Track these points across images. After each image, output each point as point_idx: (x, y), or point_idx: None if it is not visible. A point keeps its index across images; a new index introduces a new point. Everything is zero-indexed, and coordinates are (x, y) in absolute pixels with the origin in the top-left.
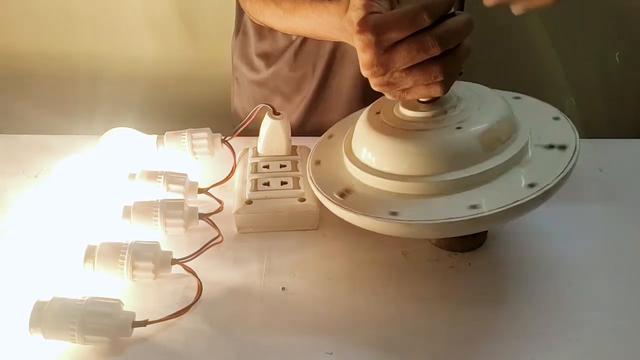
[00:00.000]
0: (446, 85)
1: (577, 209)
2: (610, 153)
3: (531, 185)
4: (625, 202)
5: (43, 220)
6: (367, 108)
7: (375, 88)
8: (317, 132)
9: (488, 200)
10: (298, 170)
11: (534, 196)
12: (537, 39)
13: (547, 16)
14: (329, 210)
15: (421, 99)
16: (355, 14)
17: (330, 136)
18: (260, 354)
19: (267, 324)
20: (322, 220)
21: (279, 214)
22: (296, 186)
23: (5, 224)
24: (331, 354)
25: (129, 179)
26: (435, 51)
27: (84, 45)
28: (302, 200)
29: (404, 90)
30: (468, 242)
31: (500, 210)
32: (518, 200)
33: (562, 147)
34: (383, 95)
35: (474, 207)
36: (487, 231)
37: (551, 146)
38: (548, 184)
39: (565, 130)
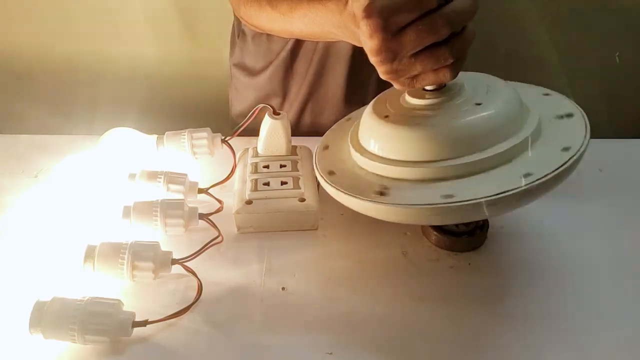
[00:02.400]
0: (455, 69)
1: (577, 209)
2: (610, 153)
3: (566, 149)
4: (625, 202)
5: (43, 220)
6: (368, 109)
7: (383, 76)
8: (312, 132)
9: (538, 168)
10: (298, 170)
11: (523, 188)
12: (536, 38)
13: (547, 16)
14: (329, 210)
15: (428, 87)
16: (359, 2)
17: (326, 147)
18: (260, 354)
19: (267, 324)
20: (322, 220)
21: (279, 214)
22: (296, 186)
23: (5, 224)
24: (331, 354)
25: (129, 179)
26: (445, 32)
27: (84, 45)
28: (302, 200)
29: (412, 78)
30: (468, 242)
31: (553, 175)
32: (564, 163)
33: (570, 115)
34: (379, 93)
35: (527, 175)
36: (487, 231)
37: (560, 116)
38: (542, 177)
39: (562, 102)
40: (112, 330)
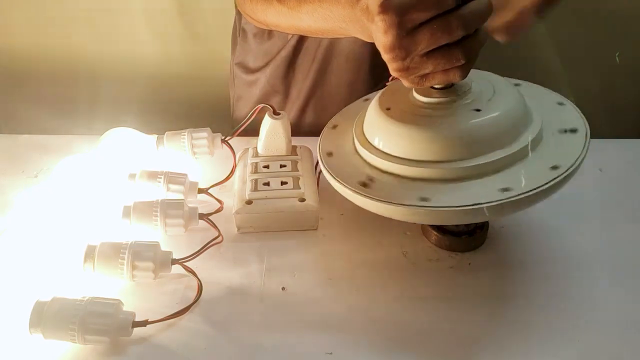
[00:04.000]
0: (465, 70)
1: (577, 209)
2: (610, 153)
3: (554, 168)
4: (625, 202)
5: (43, 220)
6: (376, 97)
7: (394, 73)
8: (313, 131)
9: (518, 184)
10: (298, 170)
11: (559, 178)
12: (536, 38)
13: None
14: (329, 211)
15: (436, 86)
16: None
17: (335, 126)
18: (260, 354)
19: (267, 324)
20: (322, 220)
21: (279, 214)
22: (296, 186)
23: (5, 224)
24: (331, 354)
25: (129, 179)
26: (460, 34)
27: (84, 45)
28: (302, 200)
29: (422, 77)
30: (468, 242)
31: (532, 193)
32: (547, 182)
33: (573, 131)
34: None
35: (506, 189)
36: (487, 231)
37: (564, 131)
38: (571, 166)
39: (572, 115)
40: (112, 330)
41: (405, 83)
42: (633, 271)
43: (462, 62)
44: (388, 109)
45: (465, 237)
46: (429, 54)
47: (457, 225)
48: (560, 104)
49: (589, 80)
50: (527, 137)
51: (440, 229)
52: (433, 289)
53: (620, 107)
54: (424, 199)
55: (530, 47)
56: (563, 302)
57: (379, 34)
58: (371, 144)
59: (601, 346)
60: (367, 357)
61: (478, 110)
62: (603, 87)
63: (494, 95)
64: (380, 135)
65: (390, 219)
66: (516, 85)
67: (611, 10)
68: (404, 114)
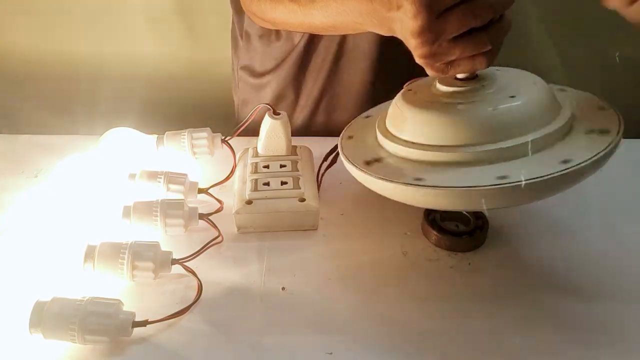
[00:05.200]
0: (491, 57)
1: (576, 209)
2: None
3: (565, 162)
4: (625, 202)
5: (43, 220)
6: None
7: (419, 60)
8: (323, 132)
9: (519, 172)
10: (298, 170)
11: (565, 172)
12: (536, 38)
13: (546, 15)
14: (329, 210)
15: (460, 76)
16: None
17: (368, 117)
18: (260, 354)
19: (267, 324)
20: (322, 220)
21: (279, 214)
22: (296, 186)
23: (5, 224)
24: (331, 354)
25: (129, 179)
26: (488, 17)
27: (84, 45)
28: (302, 200)
29: (448, 64)
30: (468, 242)
31: (530, 182)
32: (550, 174)
33: (605, 132)
34: (394, 91)
35: (502, 177)
36: (487, 231)
37: (591, 131)
38: (582, 162)
39: (608, 117)
40: (112, 330)
41: (430, 71)
42: (633, 271)
43: (489, 47)
44: (410, 94)
45: (465, 237)
46: (456, 39)
47: (457, 225)
48: (602, 108)
49: (588, 80)
50: (552, 127)
51: (440, 229)
52: (433, 289)
53: (620, 107)
54: (418, 179)
55: (530, 48)
56: (563, 301)
57: (408, 19)
58: (387, 129)
59: (602, 346)
60: (367, 357)
61: (512, 97)
62: (603, 87)
63: (519, 87)
64: (391, 119)
65: (390, 219)
66: (561, 90)
67: (611, 10)
68: (421, 101)
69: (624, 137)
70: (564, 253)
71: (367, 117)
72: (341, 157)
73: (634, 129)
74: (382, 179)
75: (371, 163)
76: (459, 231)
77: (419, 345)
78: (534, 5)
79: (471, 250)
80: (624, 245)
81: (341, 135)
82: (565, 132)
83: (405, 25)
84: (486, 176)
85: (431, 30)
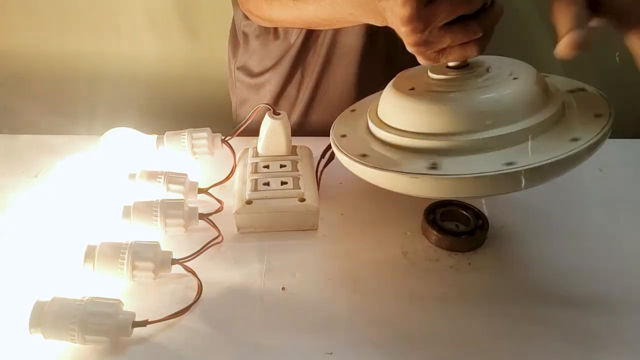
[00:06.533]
0: (482, 44)
1: (577, 209)
2: (610, 153)
3: (574, 140)
4: (625, 202)
5: (43, 220)
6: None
7: (410, 48)
8: (317, 132)
9: (525, 158)
10: (298, 170)
11: (578, 149)
12: (536, 38)
13: (546, 15)
14: (329, 211)
15: (451, 64)
16: None
17: (353, 110)
18: (260, 354)
19: (267, 324)
20: (322, 220)
21: (279, 214)
22: (296, 186)
23: (5, 224)
24: (331, 354)
25: (129, 179)
26: (479, 3)
27: (84, 45)
28: (302, 200)
29: (439, 52)
30: (468, 242)
31: (538, 164)
32: (560, 154)
33: (598, 115)
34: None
35: (510, 164)
36: (487, 231)
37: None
38: (591, 138)
39: (595, 100)
40: (112, 330)
41: (421, 60)
42: (633, 271)
43: (480, 34)
44: (402, 83)
45: (465, 237)
46: (446, 27)
47: (457, 225)
48: (583, 89)
49: (589, 80)
50: (548, 112)
51: (440, 229)
52: (433, 289)
53: (620, 107)
54: (430, 167)
55: (530, 48)
56: (563, 301)
57: (397, 7)
58: (380, 119)
59: (602, 346)
60: (367, 357)
61: (515, 78)
62: (603, 87)
63: (511, 75)
64: (383, 108)
65: (390, 219)
66: (580, 89)
67: None
68: (413, 91)
69: (624, 137)
70: (564, 253)
71: (353, 110)
72: (335, 152)
73: (634, 129)
74: (380, 169)
75: (367, 155)
76: (459, 231)
77: (419, 345)
78: (534, 6)
79: (471, 250)
80: (624, 246)
81: (331, 130)
82: (561, 115)
83: (395, 14)
84: (493, 163)
85: (420, 17)
